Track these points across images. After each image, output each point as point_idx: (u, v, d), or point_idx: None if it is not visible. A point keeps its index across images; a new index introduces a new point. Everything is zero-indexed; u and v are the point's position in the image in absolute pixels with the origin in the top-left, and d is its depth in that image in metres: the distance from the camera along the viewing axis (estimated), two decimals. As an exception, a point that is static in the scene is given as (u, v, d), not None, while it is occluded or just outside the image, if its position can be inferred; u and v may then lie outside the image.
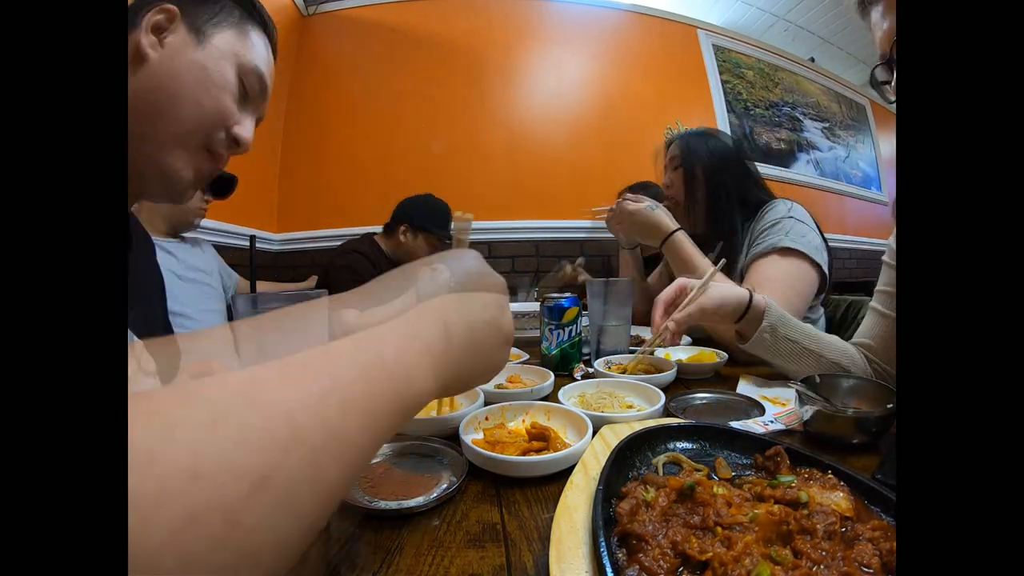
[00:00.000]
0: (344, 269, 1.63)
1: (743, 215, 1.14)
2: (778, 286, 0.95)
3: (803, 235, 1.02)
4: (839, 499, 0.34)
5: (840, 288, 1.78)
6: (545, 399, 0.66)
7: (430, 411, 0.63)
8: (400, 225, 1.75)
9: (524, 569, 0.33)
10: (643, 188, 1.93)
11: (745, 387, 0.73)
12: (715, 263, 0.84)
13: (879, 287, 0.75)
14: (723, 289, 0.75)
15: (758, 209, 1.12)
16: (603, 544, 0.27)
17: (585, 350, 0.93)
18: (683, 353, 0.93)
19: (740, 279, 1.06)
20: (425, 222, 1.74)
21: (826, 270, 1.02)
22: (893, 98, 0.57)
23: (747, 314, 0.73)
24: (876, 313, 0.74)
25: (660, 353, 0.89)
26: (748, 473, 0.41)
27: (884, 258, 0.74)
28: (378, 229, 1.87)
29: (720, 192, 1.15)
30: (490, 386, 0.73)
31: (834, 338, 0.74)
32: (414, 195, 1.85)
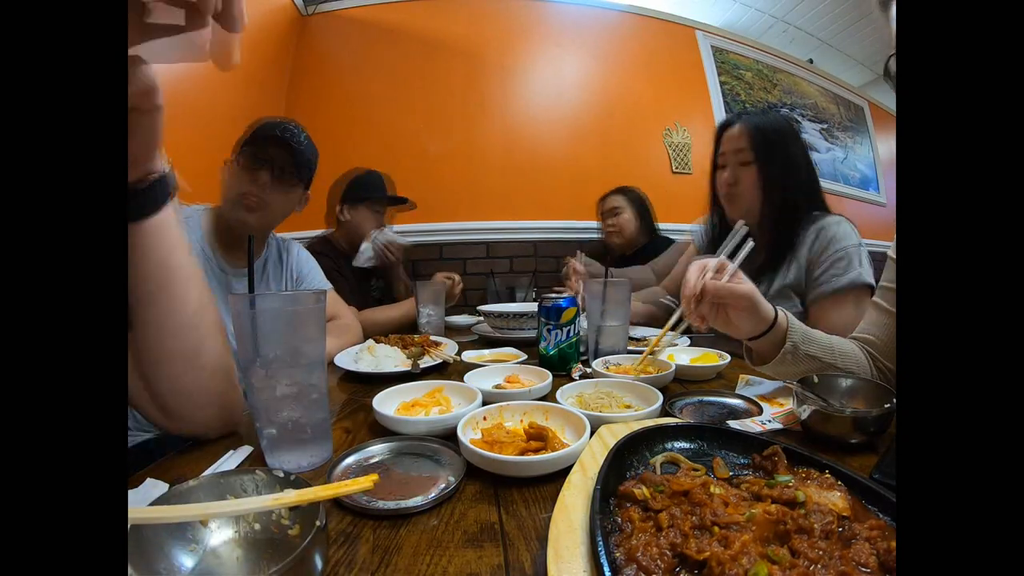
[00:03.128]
0: None
1: (804, 225, 1.04)
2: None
3: (869, 263, 0.99)
4: (836, 498, 0.34)
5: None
6: (543, 399, 0.66)
7: (429, 411, 0.63)
8: (337, 208, 1.70)
9: (522, 569, 0.33)
10: (622, 193, 1.94)
11: (743, 387, 0.73)
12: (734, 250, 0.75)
13: (882, 282, 0.75)
14: (760, 297, 0.68)
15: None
16: (601, 544, 0.27)
17: (583, 350, 0.93)
18: (686, 355, 0.93)
19: (796, 295, 1.04)
20: (359, 192, 1.69)
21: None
22: None
23: (769, 332, 0.67)
24: (879, 309, 0.74)
25: (664, 355, 0.89)
26: (746, 473, 0.41)
27: (889, 253, 0.74)
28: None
29: (797, 202, 1.02)
30: (488, 386, 0.73)
31: (847, 344, 0.72)
32: (340, 176, 1.80)
